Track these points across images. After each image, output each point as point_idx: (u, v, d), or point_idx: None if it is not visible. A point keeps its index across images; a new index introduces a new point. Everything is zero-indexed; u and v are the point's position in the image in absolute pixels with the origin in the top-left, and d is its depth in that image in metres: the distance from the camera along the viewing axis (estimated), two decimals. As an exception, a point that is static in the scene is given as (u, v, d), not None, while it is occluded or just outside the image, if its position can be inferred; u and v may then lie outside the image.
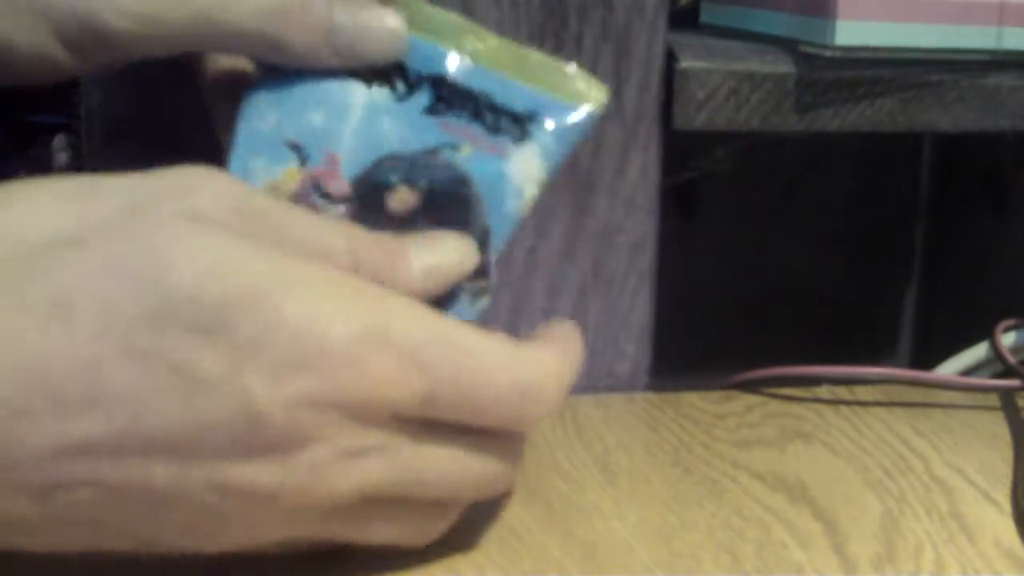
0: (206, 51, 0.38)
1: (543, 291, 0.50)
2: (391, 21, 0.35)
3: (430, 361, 0.30)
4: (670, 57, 0.49)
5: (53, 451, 0.27)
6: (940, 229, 0.77)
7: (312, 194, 0.34)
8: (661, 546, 0.37)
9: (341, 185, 0.34)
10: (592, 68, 0.48)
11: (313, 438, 0.29)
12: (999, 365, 0.52)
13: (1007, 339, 0.52)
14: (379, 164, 0.35)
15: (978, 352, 0.53)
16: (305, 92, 0.35)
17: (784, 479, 0.43)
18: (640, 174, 0.50)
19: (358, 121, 0.35)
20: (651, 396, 0.51)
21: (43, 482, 0.27)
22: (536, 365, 0.32)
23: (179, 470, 0.28)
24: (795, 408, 0.50)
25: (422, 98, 0.35)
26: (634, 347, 0.51)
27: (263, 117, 0.35)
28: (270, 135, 0.34)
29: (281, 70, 0.35)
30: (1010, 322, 0.52)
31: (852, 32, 0.49)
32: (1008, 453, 0.46)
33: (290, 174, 0.34)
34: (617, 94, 0.49)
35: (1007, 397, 0.51)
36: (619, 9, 0.48)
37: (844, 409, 0.50)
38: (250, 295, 0.28)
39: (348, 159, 0.35)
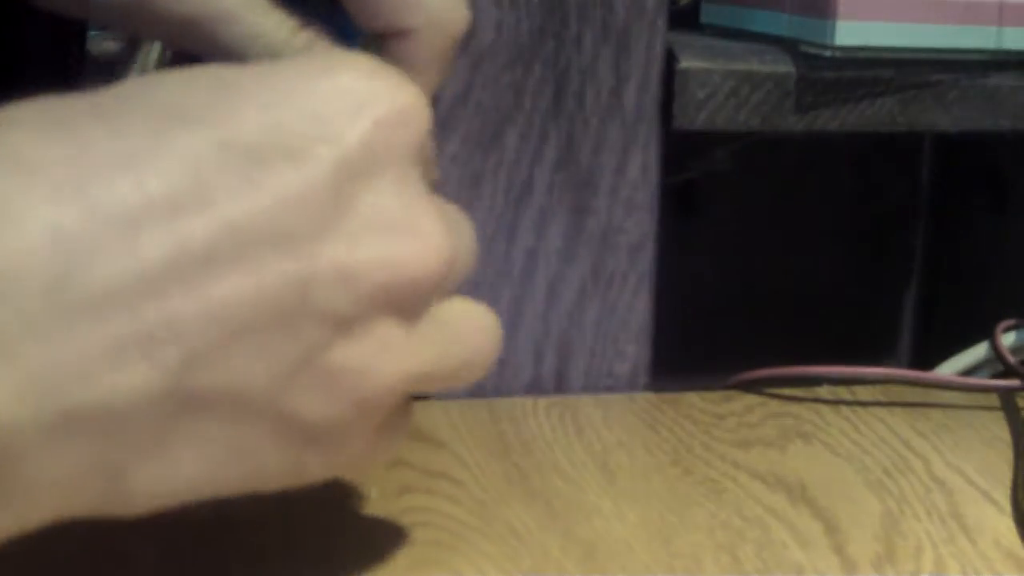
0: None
1: (543, 291, 0.50)
2: None
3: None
4: (670, 57, 0.49)
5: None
6: (940, 229, 0.77)
7: None
8: (661, 546, 0.37)
9: None
10: (592, 68, 0.48)
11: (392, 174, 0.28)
12: (999, 365, 0.52)
13: (1007, 339, 0.52)
14: None
15: (978, 352, 0.53)
16: None
17: (784, 479, 0.43)
18: (640, 174, 0.50)
19: None
20: (651, 396, 0.51)
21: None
22: None
23: (290, 259, 0.26)
24: (795, 408, 0.50)
25: None
26: (634, 347, 0.51)
27: None
28: None
29: None
30: (1010, 322, 0.52)
31: (852, 32, 0.49)
32: (1008, 453, 0.46)
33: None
34: (617, 94, 0.49)
35: (1007, 397, 0.51)
36: (619, 9, 0.48)
37: (844, 409, 0.50)
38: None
39: None
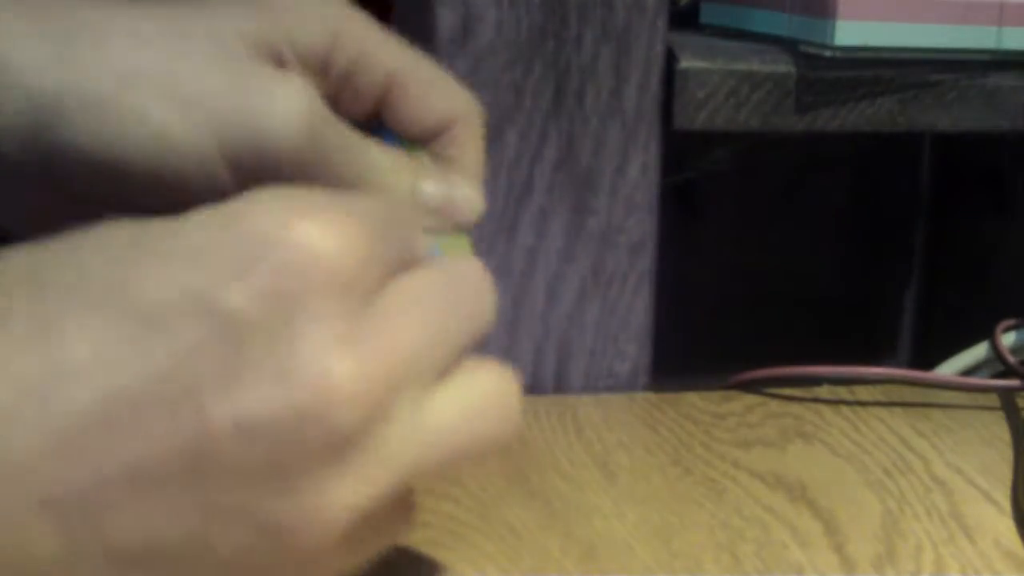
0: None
1: (543, 291, 0.50)
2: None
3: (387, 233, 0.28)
4: (670, 57, 0.49)
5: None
6: (940, 229, 0.77)
7: None
8: (661, 546, 0.37)
9: None
10: (592, 68, 0.48)
11: (301, 337, 0.26)
12: (999, 365, 0.52)
13: (1007, 339, 0.52)
14: None
15: (978, 352, 0.53)
16: None
17: (784, 479, 0.43)
18: (640, 174, 0.50)
19: None
20: (651, 396, 0.51)
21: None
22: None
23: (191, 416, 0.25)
24: (795, 408, 0.50)
25: None
26: (634, 347, 0.51)
27: None
28: None
29: None
30: (1010, 322, 0.52)
31: (852, 32, 0.49)
32: (1008, 453, 0.46)
33: None
34: (617, 94, 0.49)
35: (1007, 397, 0.51)
36: (619, 9, 0.48)
37: (844, 409, 0.50)
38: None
39: None
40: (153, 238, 0.27)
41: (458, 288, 0.30)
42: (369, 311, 0.27)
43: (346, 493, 0.26)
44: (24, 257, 0.27)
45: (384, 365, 0.27)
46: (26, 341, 0.25)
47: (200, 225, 0.27)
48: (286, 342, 0.26)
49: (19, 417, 0.24)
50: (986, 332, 0.52)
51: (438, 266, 0.30)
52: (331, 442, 0.26)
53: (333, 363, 0.26)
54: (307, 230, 0.26)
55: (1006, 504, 0.41)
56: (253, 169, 0.32)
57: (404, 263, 0.29)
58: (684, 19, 0.59)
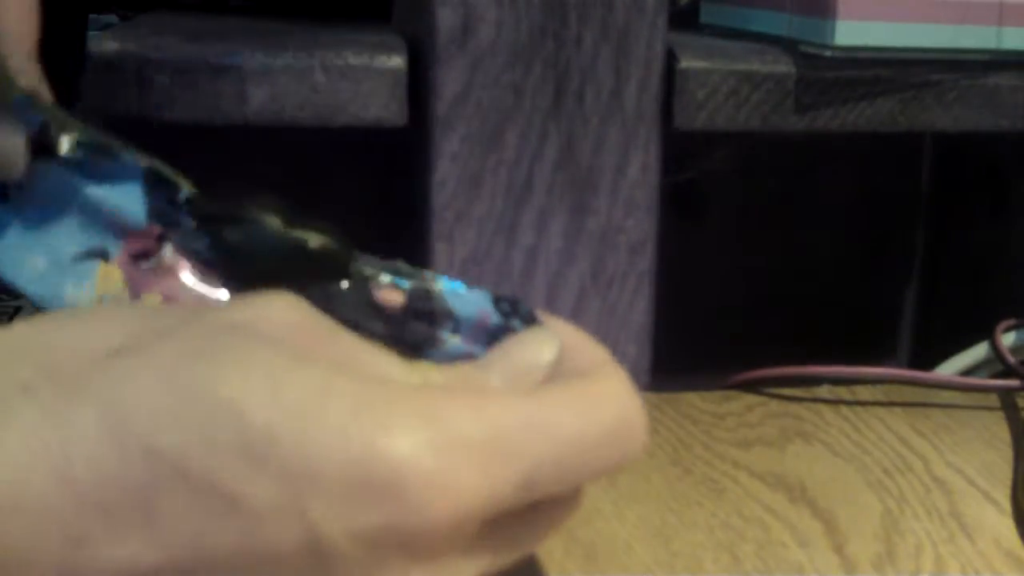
0: None
1: (543, 291, 0.50)
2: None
3: (519, 440, 0.27)
4: (670, 57, 0.49)
5: (117, 571, 0.25)
6: (940, 229, 0.77)
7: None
8: (661, 546, 0.37)
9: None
10: (592, 68, 0.48)
11: (403, 567, 0.26)
12: (999, 365, 0.52)
13: (1007, 339, 0.52)
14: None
15: (978, 352, 0.53)
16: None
17: (784, 479, 0.43)
18: (640, 174, 0.50)
19: None
20: (651, 396, 0.51)
21: None
22: (612, 398, 0.30)
23: None
24: (795, 408, 0.50)
25: None
26: (634, 347, 0.51)
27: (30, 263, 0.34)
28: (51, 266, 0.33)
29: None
30: (1010, 322, 0.52)
31: (852, 32, 0.49)
32: (1008, 453, 0.46)
33: (106, 272, 0.33)
34: (617, 94, 0.49)
35: (1007, 397, 0.51)
36: (619, 9, 0.48)
37: (844, 409, 0.50)
38: (299, 413, 0.25)
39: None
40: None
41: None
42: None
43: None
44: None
45: None
46: None
47: (296, 436, 0.25)
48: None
49: None
50: (986, 332, 0.52)
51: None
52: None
53: None
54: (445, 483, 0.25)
55: (1006, 504, 0.41)
56: None
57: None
58: (684, 19, 0.59)
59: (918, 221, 0.77)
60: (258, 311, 0.27)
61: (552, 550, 0.37)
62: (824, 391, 0.51)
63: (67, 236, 0.33)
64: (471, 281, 0.34)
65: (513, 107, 0.48)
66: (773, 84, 0.50)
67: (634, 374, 0.52)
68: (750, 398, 0.51)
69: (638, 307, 0.51)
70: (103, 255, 0.33)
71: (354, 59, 0.47)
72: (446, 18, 0.46)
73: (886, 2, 0.49)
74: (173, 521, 0.25)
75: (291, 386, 0.25)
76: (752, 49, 0.51)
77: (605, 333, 0.51)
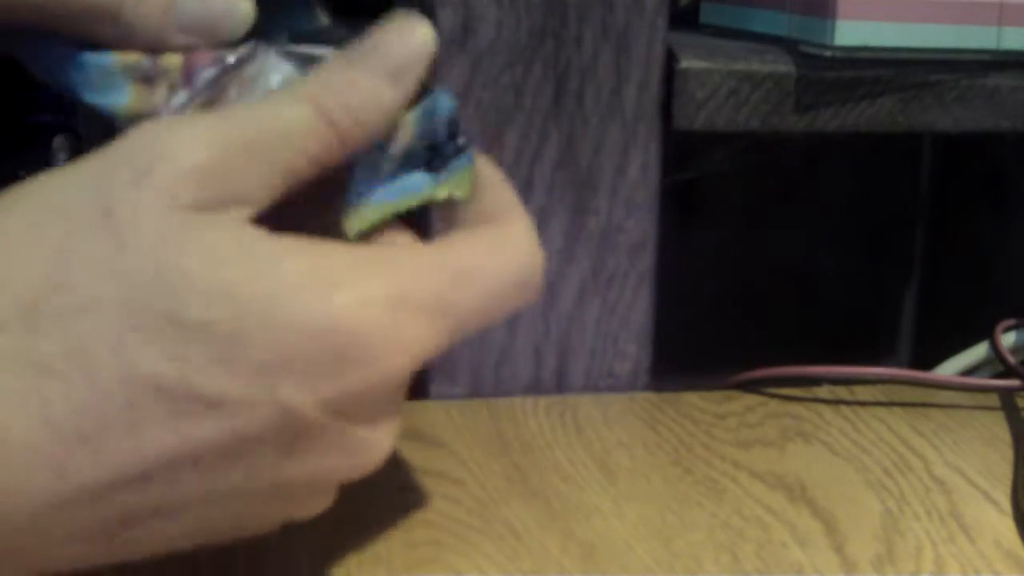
0: (44, 27, 0.34)
1: (543, 291, 0.50)
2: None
3: (454, 301, 0.30)
4: (670, 57, 0.49)
5: (108, 486, 0.26)
6: (940, 229, 0.77)
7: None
8: (661, 546, 0.37)
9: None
10: (592, 68, 0.48)
11: (364, 421, 0.29)
12: (999, 365, 0.52)
13: (1007, 339, 0.52)
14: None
15: (978, 352, 0.53)
16: None
17: (784, 479, 0.43)
18: (640, 174, 0.50)
19: None
20: (651, 396, 0.51)
21: (105, 522, 0.27)
22: (522, 246, 0.33)
23: (243, 474, 0.28)
24: (795, 408, 0.50)
25: None
26: (634, 347, 0.51)
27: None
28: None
29: None
30: (1010, 322, 0.52)
31: (852, 32, 0.49)
32: (1008, 453, 0.46)
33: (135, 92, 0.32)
34: (617, 94, 0.49)
35: (1007, 397, 0.51)
36: (619, 9, 0.48)
37: (844, 409, 0.50)
38: (259, 309, 0.27)
39: None
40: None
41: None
42: None
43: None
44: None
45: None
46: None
47: (259, 331, 0.27)
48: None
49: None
50: (986, 332, 0.52)
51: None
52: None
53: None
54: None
55: (1006, 504, 0.41)
56: None
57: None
58: (684, 19, 0.59)
59: (918, 221, 0.77)
60: (157, 172, 0.27)
61: (551, 549, 0.37)
62: (824, 391, 0.51)
63: None
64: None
65: (513, 107, 0.48)
66: (773, 84, 0.50)
67: (634, 374, 0.52)
68: (750, 398, 0.51)
69: (638, 307, 0.51)
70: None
71: (354, 59, 0.47)
72: (446, 18, 0.46)
73: (886, 2, 0.49)
74: (155, 430, 0.26)
75: (241, 285, 0.27)
76: (752, 49, 0.51)
77: (605, 333, 0.51)
